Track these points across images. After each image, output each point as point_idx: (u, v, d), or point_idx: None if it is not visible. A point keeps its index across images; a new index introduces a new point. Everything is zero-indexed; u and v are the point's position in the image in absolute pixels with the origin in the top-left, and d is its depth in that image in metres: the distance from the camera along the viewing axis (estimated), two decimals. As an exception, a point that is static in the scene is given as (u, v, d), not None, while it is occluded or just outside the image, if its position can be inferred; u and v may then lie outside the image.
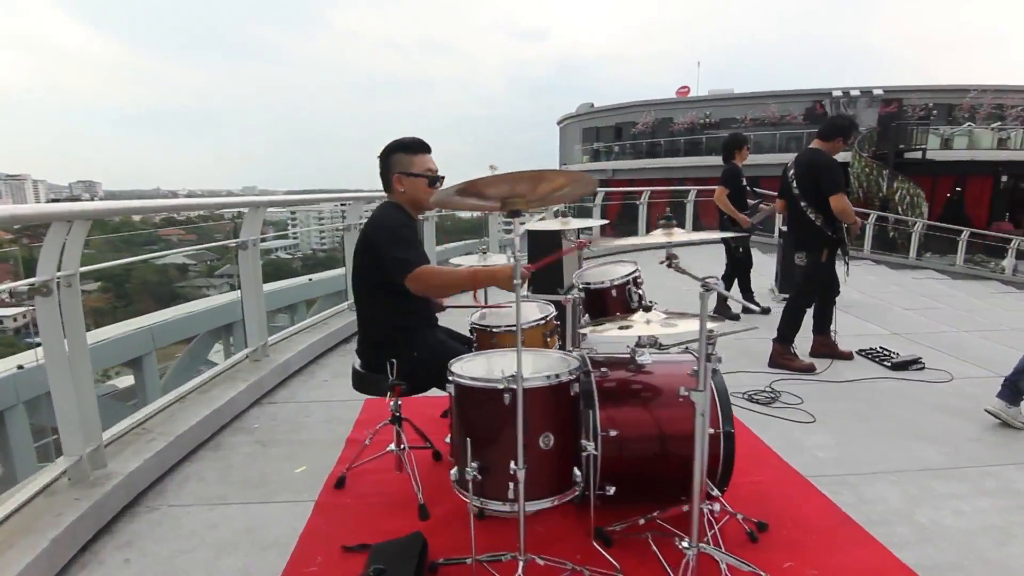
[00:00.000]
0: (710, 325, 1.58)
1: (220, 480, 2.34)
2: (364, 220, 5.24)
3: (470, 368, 1.64)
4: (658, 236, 1.63)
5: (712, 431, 1.88)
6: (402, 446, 2.18)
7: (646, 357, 2.02)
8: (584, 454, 1.67)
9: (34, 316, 1.90)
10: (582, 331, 1.94)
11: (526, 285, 1.88)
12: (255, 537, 1.95)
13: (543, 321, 2.21)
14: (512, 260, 1.54)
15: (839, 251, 3.54)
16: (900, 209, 16.76)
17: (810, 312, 3.82)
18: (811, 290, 3.65)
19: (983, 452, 2.60)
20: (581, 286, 2.25)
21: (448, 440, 1.74)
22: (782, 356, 3.64)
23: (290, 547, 1.88)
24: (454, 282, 1.86)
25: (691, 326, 1.60)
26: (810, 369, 3.59)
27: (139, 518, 2.07)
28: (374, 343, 2.03)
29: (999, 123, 18.80)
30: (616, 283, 2.17)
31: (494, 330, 2.18)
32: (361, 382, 2.10)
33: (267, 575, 1.76)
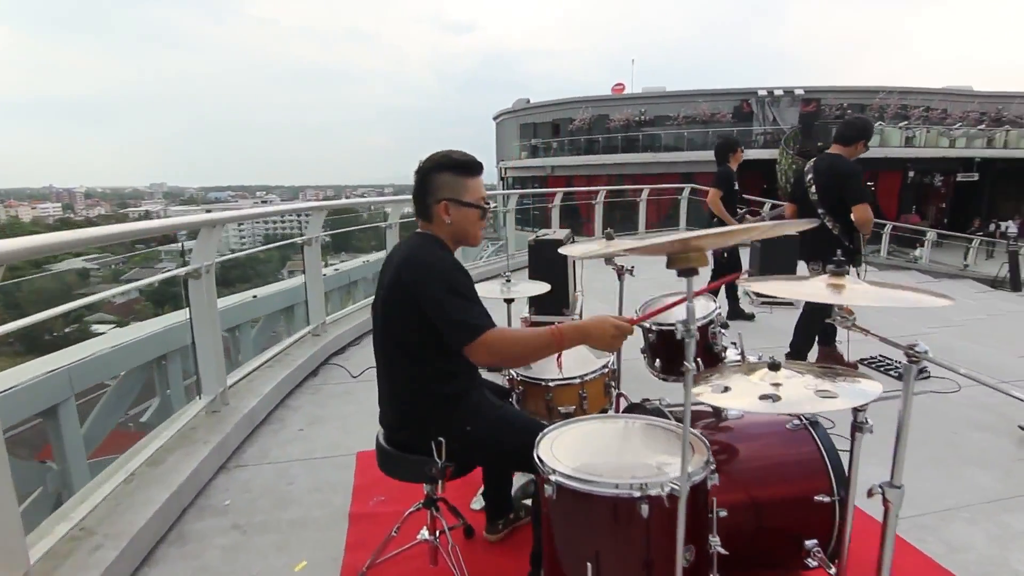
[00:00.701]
0: (870, 389, 1.29)
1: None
2: (325, 233, 4.68)
3: (574, 456, 1.25)
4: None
5: (825, 499, 1.61)
6: (437, 532, 1.76)
7: (733, 412, 1.72)
8: (711, 551, 1.33)
9: None
10: (699, 403, 1.58)
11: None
12: None
13: (605, 369, 1.84)
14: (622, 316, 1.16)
15: (854, 260, 3.41)
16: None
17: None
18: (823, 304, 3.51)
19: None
20: (653, 327, 1.89)
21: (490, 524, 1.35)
22: (795, 371, 3.47)
23: None
24: (535, 348, 1.43)
25: (843, 392, 1.29)
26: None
27: None
28: (413, 418, 1.58)
29: (905, 122, 20.33)
30: (700, 324, 1.84)
31: (549, 384, 1.79)
32: (393, 465, 1.64)
33: None
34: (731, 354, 1.85)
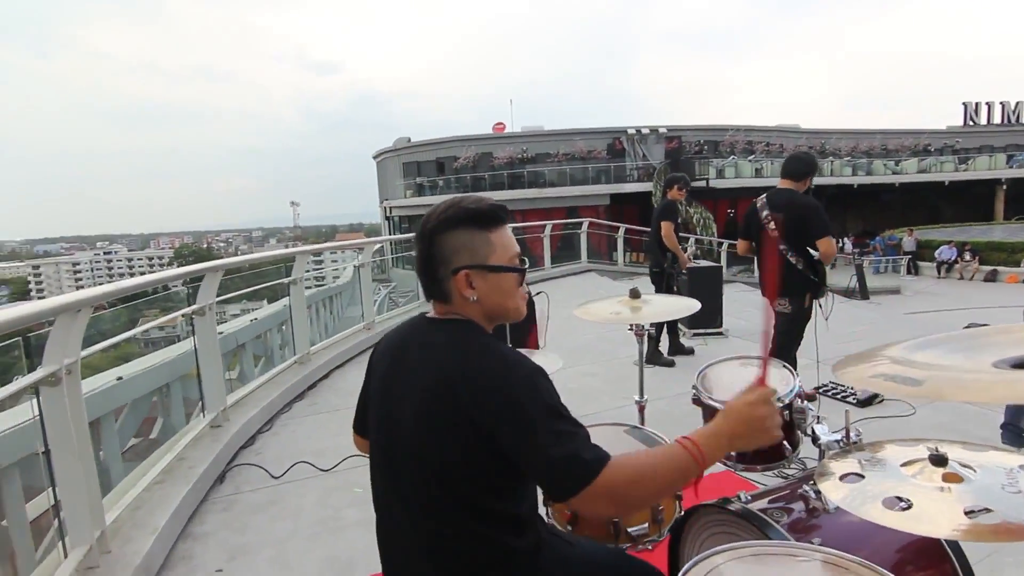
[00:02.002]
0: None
1: None
2: (220, 298, 3.83)
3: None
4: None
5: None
6: None
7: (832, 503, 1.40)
8: None
9: None
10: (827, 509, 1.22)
11: None
12: None
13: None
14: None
15: (819, 292, 3.39)
16: (698, 230, 19.32)
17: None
18: (797, 336, 3.44)
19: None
20: (709, 399, 1.53)
21: None
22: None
23: None
24: (672, 479, 0.97)
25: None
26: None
27: None
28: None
29: (753, 155, 22.98)
30: (785, 399, 1.51)
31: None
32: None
33: None
34: (821, 433, 1.52)
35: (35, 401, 1.98)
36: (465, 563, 1.05)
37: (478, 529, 1.03)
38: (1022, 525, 0.99)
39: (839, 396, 3.77)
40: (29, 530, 2.70)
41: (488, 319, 1.13)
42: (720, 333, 5.65)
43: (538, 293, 1.81)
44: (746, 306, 7.95)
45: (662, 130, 23.96)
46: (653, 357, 4.74)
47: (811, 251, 3.28)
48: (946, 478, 1.11)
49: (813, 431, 1.52)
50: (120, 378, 4.70)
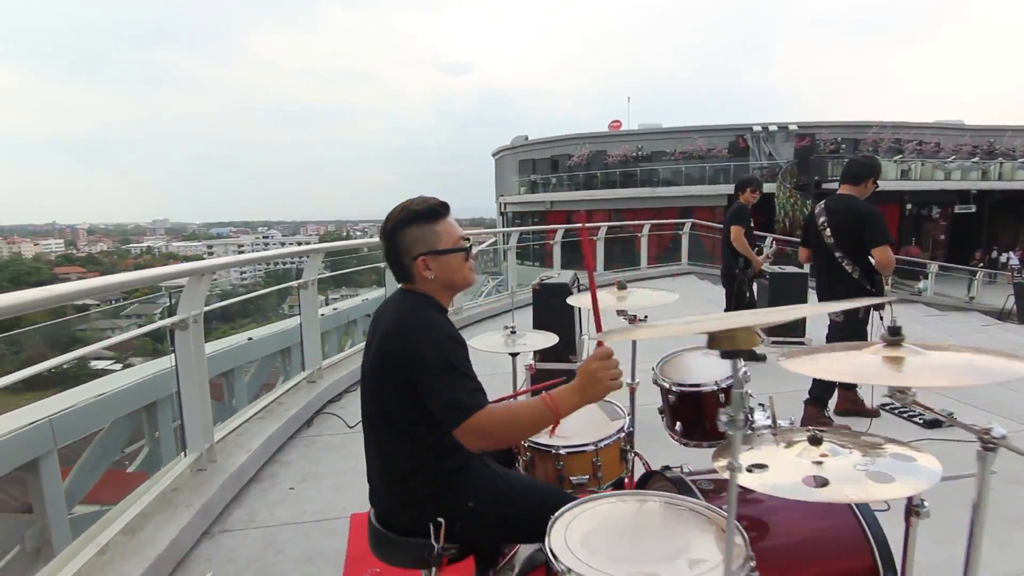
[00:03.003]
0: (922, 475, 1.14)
1: None
2: (322, 275, 4.56)
3: (592, 549, 1.09)
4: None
5: (879, 587, 1.43)
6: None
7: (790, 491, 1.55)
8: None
9: None
10: (714, 473, 1.43)
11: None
12: None
13: (620, 434, 1.69)
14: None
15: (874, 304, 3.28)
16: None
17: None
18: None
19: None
20: (674, 388, 1.74)
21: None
22: (816, 420, 3.30)
23: None
24: (530, 424, 1.28)
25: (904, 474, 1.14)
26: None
27: None
28: (408, 498, 1.42)
29: (900, 156, 20.56)
30: (723, 385, 1.69)
31: (560, 451, 1.63)
32: (386, 549, 1.47)
33: None
34: (758, 417, 1.68)
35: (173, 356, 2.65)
36: (405, 477, 1.42)
37: (413, 454, 1.40)
38: (843, 491, 1.16)
39: (904, 415, 3.57)
40: (175, 437, 3.52)
41: (446, 289, 1.49)
42: (802, 343, 5.42)
43: (644, 318, 2.03)
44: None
45: (792, 127, 22.26)
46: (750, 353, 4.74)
47: (871, 259, 3.18)
48: (822, 455, 1.28)
49: (751, 416, 1.67)
50: (251, 339, 5.72)
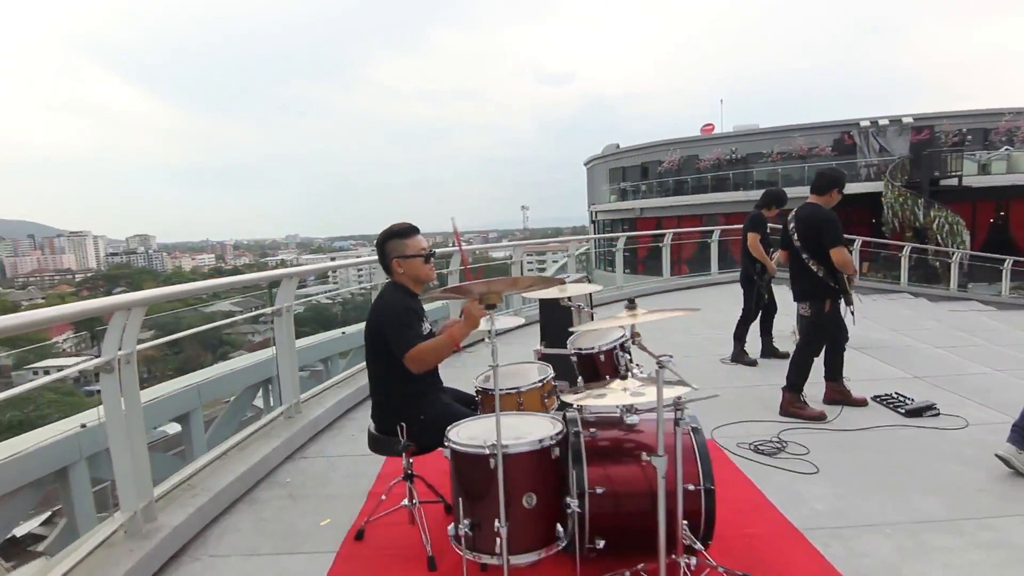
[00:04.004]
0: (679, 391, 1.78)
1: (254, 532, 2.59)
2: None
3: (464, 434, 1.86)
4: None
5: (692, 487, 2.03)
6: (414, 501, 2.39)
7: (634, 418, 2.19)
8: (568, 511, 1.85)
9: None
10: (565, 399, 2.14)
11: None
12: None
13: (540, 383, 2.42)
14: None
15: (843, 300, 3.63)
16: (939, 238, 16.34)
17: (821, 359, 3.90)
18: (817, 339, 3.74)
19: (987, 503, 2.62)
20: (573, 350, 2.45)
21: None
22: (792, 405, 3.71)
23: (311, 597, 2.09)
24: (442, 350, 2.13)
25: (666, 392, 1.78)
26: (820, 417, 3.64)
27: (184, 568, 2.32)
28: (385, 409, 2.28)
29: (1040, 145, 18.27)
30: (604, 348, 2.36)
31: (506, 392, 2.39)
32: (376, 444, 2.34)
33: (291, 623, 1.97)
34: (638, 373, 2.31)
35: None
36: (385, 398, 2.28)
37: (392, 384, 2.25)
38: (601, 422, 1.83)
39: (890, 405, 3.83)
40: (279, 399, 4.69)
41: (413, 281, 2.33)
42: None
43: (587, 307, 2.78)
44: (881, 315, 7.31)
45: (907, 119, 20.56)
46: (738, 356, 5.14)
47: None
48: (624, 388, 1.95)
49: (628, 371, 2.32)
50: (343, 332, 6.96)
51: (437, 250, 2.39)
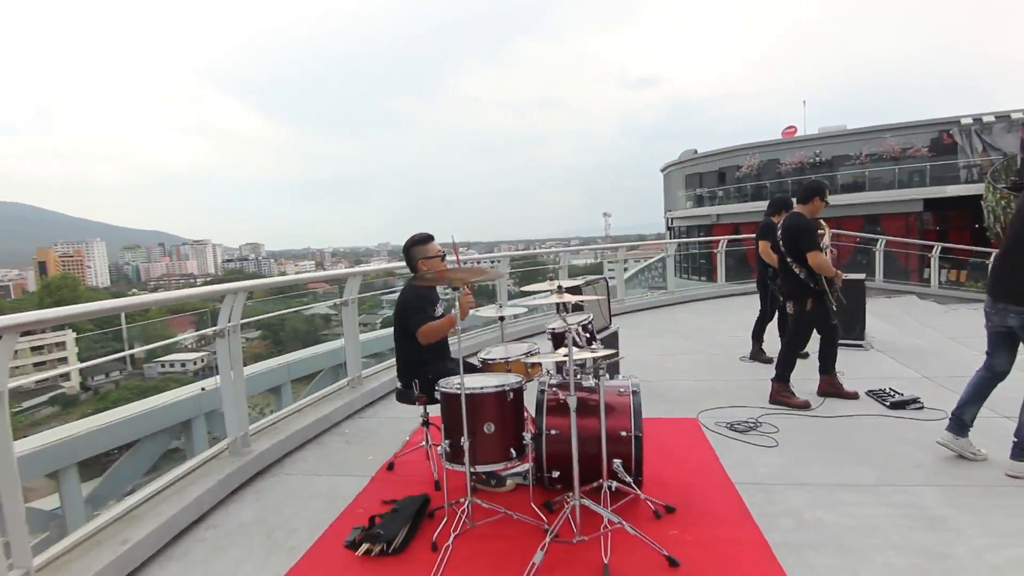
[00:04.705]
0: (601, 355, 2.44)
1: (318, 461, 3.50)
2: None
3: (452, 384, 2.61)
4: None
5: (624, 434, 2.66)
6: (428, 443, 3.18)
7: (590, 382, 2.85)
8: (524, 443, 2.56)
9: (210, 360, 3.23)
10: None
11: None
12: (333, 494, 3.02)
13: (524, 355, 3.12)
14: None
15: (825, 299, 4.00)
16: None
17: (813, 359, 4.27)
18: (801, 334, 4.13)
19: (915, 475, 2.98)
20: (548, 330, 3.15)
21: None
22: (780, 394, 4.12)
23: (350, 498, 2.94)
24: (442, 328, 2.90)
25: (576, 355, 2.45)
26: (805, 406, 4.02)
27: (267, 479, 3.26)
28: (405, 370, 3.09)
29: None
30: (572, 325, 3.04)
31: (491, 363, 3.14)
32: (400, 395, 3.16)
33: (333, 513, 2.80)
34: (598, 348, 2.96)
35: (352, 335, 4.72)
36: (405, 362, 3.09)
37: (410, 352, 3.07)
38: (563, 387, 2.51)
39: (879, 398, 4.12)
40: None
41: (435, 277, 3.14)
42: (860, 346, 5.77)
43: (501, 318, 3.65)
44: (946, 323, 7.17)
45: (1016, 115, 18.87)
46: (756, 355, 5.50)
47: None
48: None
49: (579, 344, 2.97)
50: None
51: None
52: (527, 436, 2.58)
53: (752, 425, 3.74)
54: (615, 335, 5.05)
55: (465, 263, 4.19)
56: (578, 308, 3.78)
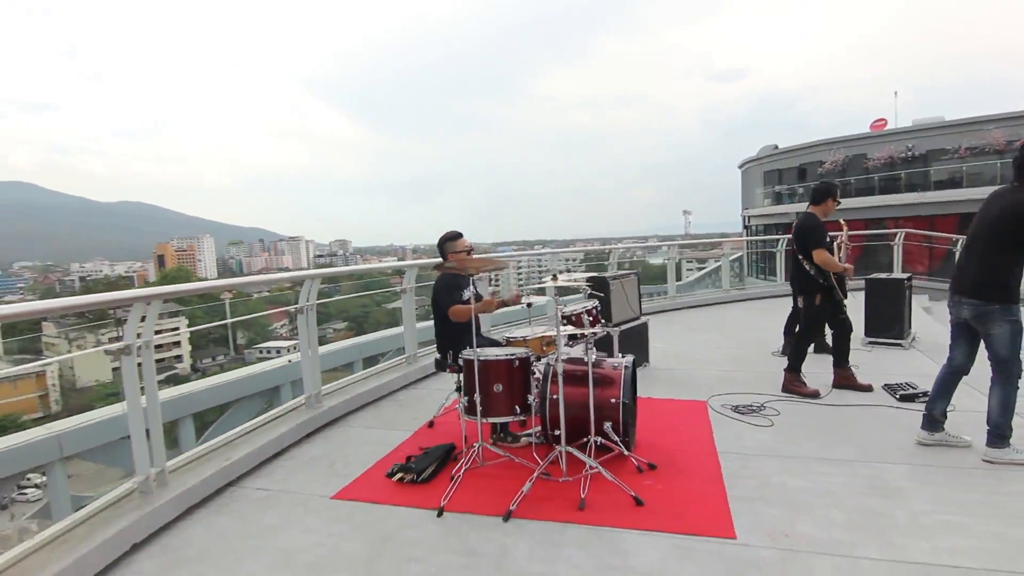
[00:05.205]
0: (586, 332, 2.98)
1: (374, 418, 4.26)
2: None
3: (469, 353, 3.23)
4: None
5: (613, 400, 3.17)
6: (459, 405, 3.83)
7: (593, 357, 3.37)
8: (528, 403, 3.14)
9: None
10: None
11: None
12: (383, 442, 3.74)
13: (542, 335, 3.69)
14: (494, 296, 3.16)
15: (834, 294, 4.24)
16: None
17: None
18: (811, 328, 4.38)
19: (891, 455, 3.24)
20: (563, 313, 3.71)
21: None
22: (792, 383, 4.40)
23: (395, 445, 3.65)
24: (467, 312, 3.52)
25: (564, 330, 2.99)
26: (814, 395, 4.29)
27: (334, 429, 4.04)
28: (441, 343, 3.75)
29: None
30: (576, 312, 3.57)
31: (511, 340, 3.74)
32: (437, 364, 3.83)
33: (381, 454, 3.51)
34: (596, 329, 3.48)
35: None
36: (442, 337, 3.76)
37: (444, 329, 3.73)
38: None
39: (890, 390, 4.30)
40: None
41: (463, 268, 3.79)
42: (899, 344, 5.80)
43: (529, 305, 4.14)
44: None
45: None
46: (787, 349, 5.70)
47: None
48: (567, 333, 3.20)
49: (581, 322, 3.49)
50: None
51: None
52: (531, 398, 3.16)
53: (755, 408, 4.08)
54: (644, 326, 5.49)
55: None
56: (596, 296, 4.31)
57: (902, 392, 4.20)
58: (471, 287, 3.83)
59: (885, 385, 4.45)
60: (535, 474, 2.86)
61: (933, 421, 3.31)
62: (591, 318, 3.59)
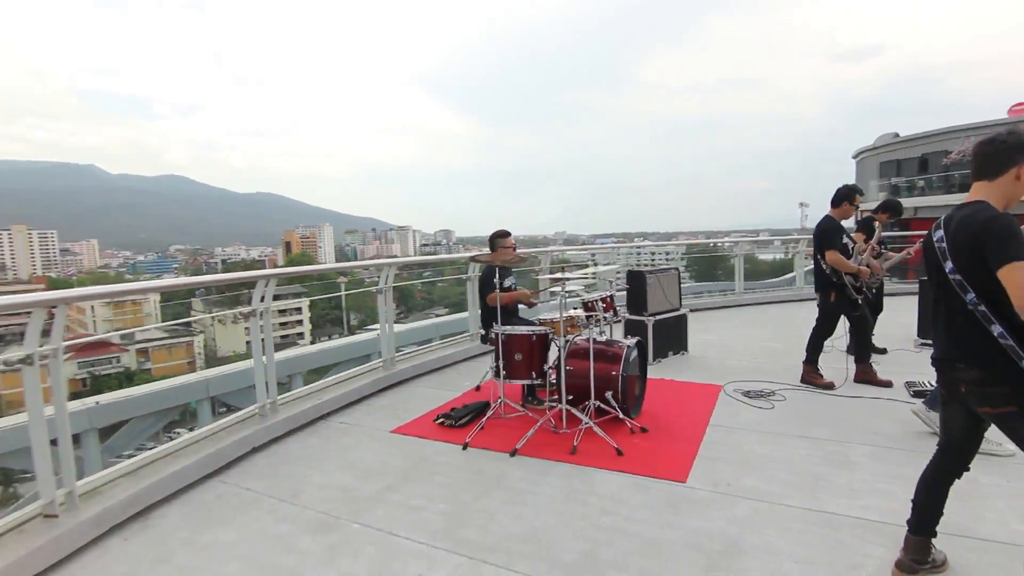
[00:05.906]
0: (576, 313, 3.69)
1: (436, 382, 5.23)
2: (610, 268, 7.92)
3: (497, 329, 4.04)
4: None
5: (614, 373, 3.84)
6: (489, 368, 4.67)
7: (602, 337, 4.06)
8: (544, 370, 3.90)
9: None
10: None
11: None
12: (436, 398, 4.67)
13: (566, 319, 4.42)
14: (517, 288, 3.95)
15: (847, 292, 4.51)
16: None
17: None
18: (826, 324, 4.66)
19: (866, 438, 3.59)
20: (579, 301, 4.40)
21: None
22: (809, 375, 4.74)
23: (445, 401, 4.57)
24: (504, 300, 4.32)
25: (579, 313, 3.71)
26: (829, 386, 4.61)
27: (402, 387, 5.05)
28: (484, 321, 4.61)
29: None
30: (591, 299, 4.25)
31: (545, 320, 4.49)
32: (481, 339, 4.70)
33: (433, 406, 4.44)
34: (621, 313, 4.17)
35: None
36: (484, 318, 4.63)
37: (486, 311, 4.60)
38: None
39: (908, 387, 4.50)
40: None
41: (503, 264, 4.61)
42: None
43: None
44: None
45: None
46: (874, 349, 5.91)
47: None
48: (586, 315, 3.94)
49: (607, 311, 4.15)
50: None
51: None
52: (547, 367, 3.92)
53: (764, 394, 4.50)
54: (683, 317, 5.99)
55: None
56: (628, 288, 4.94)
57: (916, 388, 4.41)
58: (510, 278, 4.65)
59: (906, 382, 4.63)
60: (537, 424, 3.64)
61: (936, 402, 3.59)
62: (604, 304, 4.25)
